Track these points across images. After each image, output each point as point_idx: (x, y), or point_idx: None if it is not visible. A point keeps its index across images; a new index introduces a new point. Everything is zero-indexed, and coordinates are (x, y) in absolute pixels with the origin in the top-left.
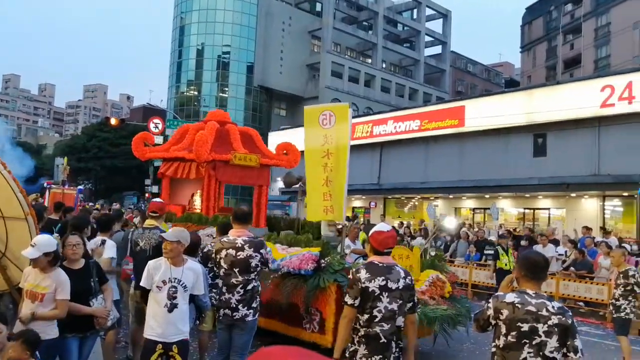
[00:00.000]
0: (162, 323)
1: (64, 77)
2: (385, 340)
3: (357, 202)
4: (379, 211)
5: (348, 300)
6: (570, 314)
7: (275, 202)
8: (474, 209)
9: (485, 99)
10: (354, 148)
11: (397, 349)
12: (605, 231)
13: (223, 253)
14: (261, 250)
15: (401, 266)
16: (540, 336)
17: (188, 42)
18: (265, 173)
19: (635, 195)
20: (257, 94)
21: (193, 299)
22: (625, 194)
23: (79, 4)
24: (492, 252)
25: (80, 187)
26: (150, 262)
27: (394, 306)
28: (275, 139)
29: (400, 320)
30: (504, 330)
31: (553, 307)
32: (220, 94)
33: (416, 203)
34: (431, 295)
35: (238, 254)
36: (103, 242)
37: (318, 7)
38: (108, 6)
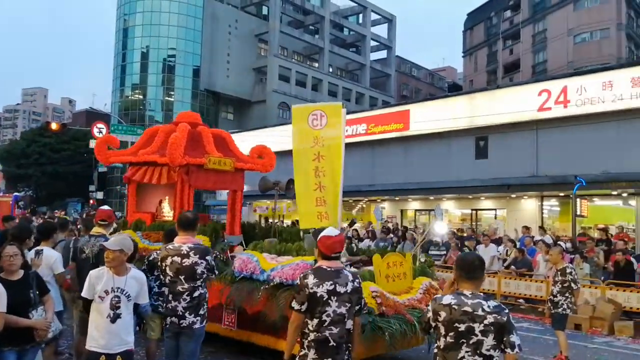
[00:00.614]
0: (105, 334)
1: (0, 80)
2: (335, 344)
3: None
4: None
5: (295, 305)
6: (507, 311)
7: (222, 207)
8: (419, 211)
9: (429, 103)
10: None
11: (347, 352)
12: (544, 230)
13: (168, 260)
14: (207, 257)
15: (349, 270)
16: (476, 335)
17: (132, 44)
18: (240, 178)
19: (571, 196)
20: (203, 98)
21: (136, 307)
22: (562, 194)
23: (16, 3)
24: (437, 253)
25: (17, 194)
26: (92, 272)
27: (343, 310)
28: None
29: (350, 324)
30: (443, 331)
31: (489, 306)
32: (166, 98)
33: (364, 206)
34: (427, 303)
35: (183, 261)
36: (38, 253)
37: (264, 10)
38: (47, 5)
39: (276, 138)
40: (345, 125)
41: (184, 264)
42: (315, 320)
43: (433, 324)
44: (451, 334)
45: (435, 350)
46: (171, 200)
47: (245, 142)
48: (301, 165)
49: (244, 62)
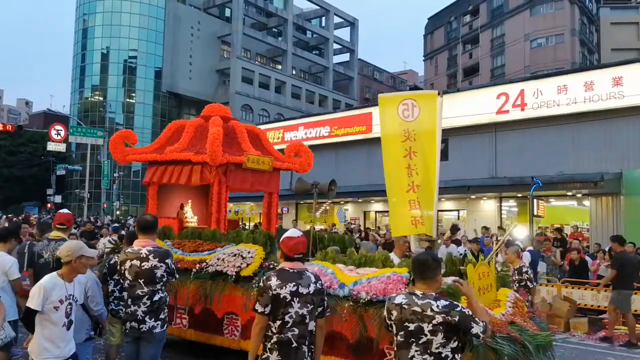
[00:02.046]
0: (61, 342)
1: None
2: (296, 344)
3: None
4: (291, 216)
5: (258, 308)
6: (459, 309)
7: None
8: (382, 212)
9: None
10: None
11: (309, 354)
12: (503, 230)
13: (127, 264)
14: (167, 260)
15: (312, 271)
16: (426, 335)
17: (92, 45)
18: (276, 178)
19: (528, 196)
20: (165, 100)
21: (87, 311)
22: (520, 195)
23: None
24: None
25: None
26: (46, 282)
27: (304, 311)
28: None
29: (312, 325)
30: (395, 330)
31: (438, 306)
32: (127, 100)
33: (327, 208)
34: (521, 317)
35: (142, 264)
36: None
37: (227, 12)
38: (1, 3)
39: None
40: (441, 117)
41: (143, 268)
42: (278, 322)
43: (388, 322)
44: (401, 333)
45: (395, 350)
46: (195, 204)
47: None
48: (390, 163)
49: (207, 63)
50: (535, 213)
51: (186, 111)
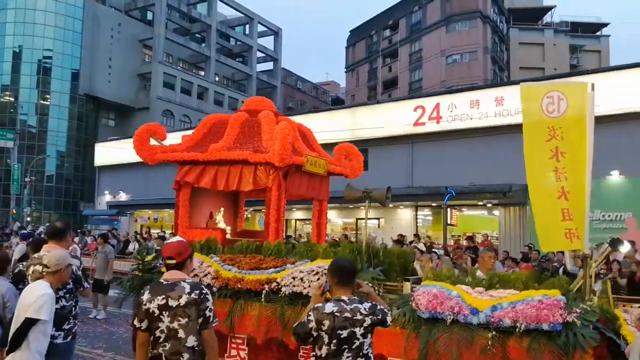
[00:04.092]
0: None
1: None
2: None
3: None
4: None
5: (136, 323)
6: (380, 308)
7: (101, 216)
8: (303, 220)
9: (314, 115)
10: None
11: None
12: (418, 238)
13: (31, 269)
14: (71, 267)
15: (191, 282)
16: (358, 339)
17: (3, 43)
18: (327, 184)
19: (442, 206)
20: (83, 103)
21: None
22: (434, 204)
23: None
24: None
25: None
26: (51, 291)
27: (176, 325)
28: (104, 150)
29: (191, 340)
30: (326, 340)
31: (365, 308)
32: (41, 102)
33: (249, 215)
34: None
35: None
36: None
37: (149, 15)
38: None
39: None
40: (593, 114)
41: None
42: (152, 337)
43: (315, 334)
44: (334, 341)
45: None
46: (227, 212)
47: (127, 149)
48: (535, 165)
49: (127, 67)
50: (448, 222)
51: (105, 115)
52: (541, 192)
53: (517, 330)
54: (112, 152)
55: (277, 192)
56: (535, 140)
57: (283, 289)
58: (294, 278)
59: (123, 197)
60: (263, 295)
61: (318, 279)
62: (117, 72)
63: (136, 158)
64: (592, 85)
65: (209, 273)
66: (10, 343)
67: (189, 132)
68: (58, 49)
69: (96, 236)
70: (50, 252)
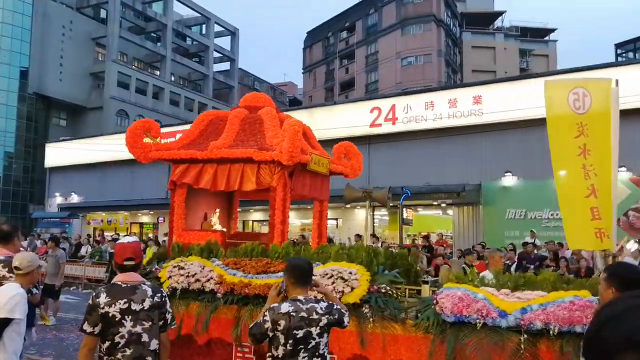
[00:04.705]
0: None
1: None
2: None
3: (145, 218)
4: (167, 227)
5: (87, 328)
6: (336, 307)
7: (51, 219)
8: (260, 221)
9: None
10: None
11: None
12: (376, 238)
13: None
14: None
15: (150, 284)
16: (314, 339)
17: None
18: (327, 184)
19: (398, 205)
20: (32, 102)
21: None
22: (391, 204)
23: None
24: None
25: None
26: (22, 291)
27: (139, 329)
28: (55, 151)
29: (154, 344)
30: (282, 340)
31: (321, 308)
32: None
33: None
34: None
35: None
36: None
37: (103, 13)
38: None
39: (114, 147)
40: (617, 110)
41: None
42: (107, 343)
43: (270, 334)
44: (290, 341)
45: None
46: (222, 213)
47: (79, 150)
48: (562, 162)
49: (80, 65)
50: (404, 221)
51: (55, 115)
52: (569, 190)
53: (550, 333)
54: (63, 152)
55: (283, 192)
56: (562, 136)
57: None
58: None
59: (75, 199)
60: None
61: (333, 282)
62: (69, 70)
63: (89, 159)
64: (617, 81)
65: (211, 278)
66: None
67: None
68: (5, 45)
69: (46, 240)
70: (21, 254)
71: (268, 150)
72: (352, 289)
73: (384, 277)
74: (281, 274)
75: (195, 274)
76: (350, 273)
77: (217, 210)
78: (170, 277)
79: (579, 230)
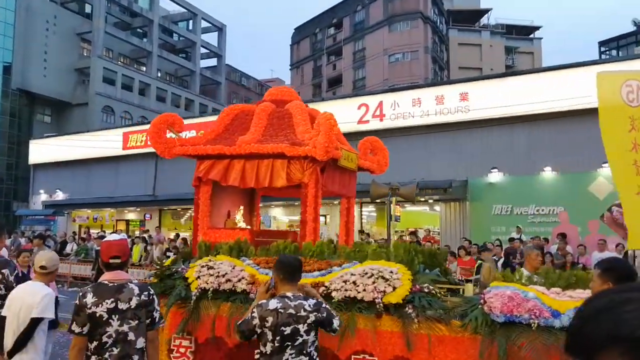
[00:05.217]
0: None
1: None
2: None
3: (131, 215)
4: (155, 223)
5: (75, 329)
6: (325, 306)
7: (36, 216)
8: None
9: None
10: (127, 158)
11: None
12: (367, 235)
13: None
14: (2, 270)
15: (137, 283)
16: (302, 336)
17: None
18: (354, 180)
19: (386, 201)
20: (16, 98)
21: None
22: (378, 200)
23: None
24: None
25: None
26: (51, 291)
27: (125, 328)
28: (39, 148)
29: (141, 342)
30: (270, 337)
31: (309, 305)
32: None
33: (192, 214)
34: None
35: None
36: None
37: (88, 8)
38: None
39: (100, 143)
40: None
41: None
42: (95, 343)
43: (258, 330)
44: (277, 338)
45: (257, 357)
46: (245, 211)
47: (64, 146)
48: (615, 157)
49: (64, 61)
50: (392, 217)
51: (40, 111)
52: (623, 185)
53: None
54: (48, 149)
55: (315, 188)
56: (614, 129)
57: (333, 294)
58: (345, 282)
59: (60, 196)
60: None
61: (373, 282)
62: (53, 66)
63: (75, 156)
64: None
65: (243, 278)
66: (16, 344)
67: (132, 129)
68: None
69: (31, 237)
70: (46, 254)
71: (300, 146)
72: (394, 288)
73: (425, 277)
74: (317, 273)
75: (226, 273)
76: (392, 272)
77: (241, 207)
78: (198, 277)
79: (637, 226)
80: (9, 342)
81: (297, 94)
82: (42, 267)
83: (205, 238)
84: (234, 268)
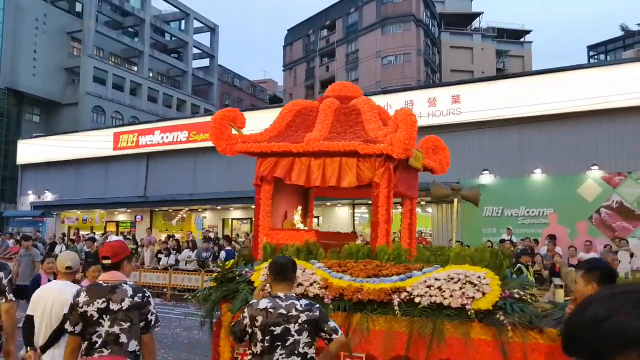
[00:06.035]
0: None
1: None
2: None
3: (122, 216)
4: (146, 224)
5: (68, 327)
6: (317, 306)
7: (24, 218)
8: (240, 219)
9: (251, 113)
10: (117, 158)
11: None
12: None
13: None
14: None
15: (132, 284)
16: (293, 336)
17: None
18: (417, 180)
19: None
20: (4, 97)
21: None
22: (370, 202)
23: None
24: None
25: None
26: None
27: (116, 329)
28: (28, 148)
29: (133, 345)
30: (260, 336)
31: (301, 305)
32: None
33: (184, 215)
34: None
35: None
36: None
37: (78, 7)
38: None
39: (90, 143)
40: None
41: None
42: (86, 343)
43: (249, 330)
44: (267, 338)
45: (249, 357)
46: (302, 212)
47: (53, 147)
48: None
49: (54, 60)
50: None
51: (28, 110)
52: None
53: None
54: (37, 149)
55: (387, 188)
56: None
57: (417, 300)
58: (429, 287)
59: (49, 197)
60: (396, 307)
61: (460, 287)
62: (43, 65)
63: (64, 156)
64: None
65: (315, 281)
66: (50, 339)
67: (123, 129)
68: None
69: (19, 239)
70: (68, 254)
71: (374, 143)
72: (483, 294)
73: (514, 282)
74: (396, 277)
75: (297, 277)
76: (479, 277)
77: (299, 207)
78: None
79: None
80: (41, 338)
81: (360, 90)
82: (67, 268)
83: (267, 239)
84: (304, 271)
